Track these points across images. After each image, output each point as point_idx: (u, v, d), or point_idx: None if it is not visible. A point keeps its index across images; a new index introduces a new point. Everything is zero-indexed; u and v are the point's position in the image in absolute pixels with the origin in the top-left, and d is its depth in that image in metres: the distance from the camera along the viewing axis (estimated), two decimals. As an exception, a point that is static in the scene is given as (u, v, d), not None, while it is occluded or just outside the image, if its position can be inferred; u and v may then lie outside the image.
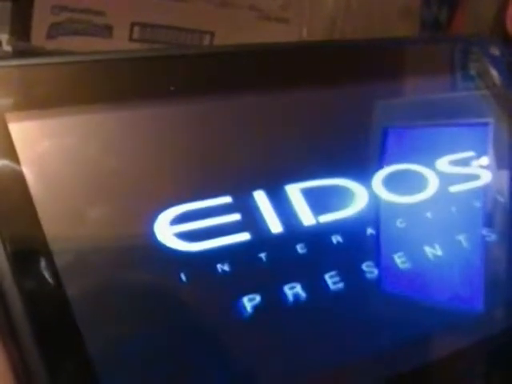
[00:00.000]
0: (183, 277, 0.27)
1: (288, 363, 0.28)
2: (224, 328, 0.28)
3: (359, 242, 0.32)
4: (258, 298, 0.28)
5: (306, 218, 0.31)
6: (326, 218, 0.32)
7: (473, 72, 0.39)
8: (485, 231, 0.35)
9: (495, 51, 0.39)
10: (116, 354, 0.25)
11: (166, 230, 0.28)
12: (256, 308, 0.28)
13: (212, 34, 0.54)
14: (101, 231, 0.27)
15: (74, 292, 0.25)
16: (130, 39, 0.52)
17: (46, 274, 0.24)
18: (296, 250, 0.30)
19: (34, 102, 0.27)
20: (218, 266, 0.28)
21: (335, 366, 0.29)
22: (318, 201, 0.32)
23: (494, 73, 0.38)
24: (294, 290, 0.29)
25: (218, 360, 0.27)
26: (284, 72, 0.34)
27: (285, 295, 0.29)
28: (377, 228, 0.32)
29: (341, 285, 0.30)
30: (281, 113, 0.33)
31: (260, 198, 0.30)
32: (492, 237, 0.34)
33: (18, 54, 0.50)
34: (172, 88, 0.30)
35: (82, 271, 0.26)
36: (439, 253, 0.33)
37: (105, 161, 0.28)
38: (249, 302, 0.28)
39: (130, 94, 0.29)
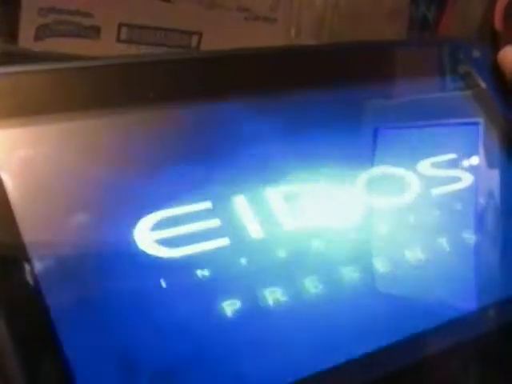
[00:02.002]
0: (163, 283, 0.27)
1: (268, 367, 0.28)
2: (204, 333, 0.28)
3: (340, 245, 0.32)
4: (238, 303, 0.28)
5: (286, 222, 0.31)
6: (306, 222, 0.32)
7: (456, 74, 0.39)
8: (471, 231, 0.35)
9: (477, 53, 0.39)
10: (95, 359, 0.25)
11: (146, 237, 0.28)
12: (236, 312, 0.28)
13: (200, 35, 0.54)
14: (81, 238, 0.27)
15: (53, 298, 0.25)
16: (118, 40, 0.52)
17: (25, 280, 0.25)
18: (276, 255, 0.30)
19: (13, 110, 0.27)
20: (198, 272, 0.28)
21: (320, 368, 0.29)
22: (299, 205, 0.32)
23: (476, 74, 0.38)
24: (274, 295, 0.29)
25: (199, 364, 0.27)
26: (271, 75, 0.34)
27: (265, 299, 0.29)
28: (358, 231, 0.33)
29: (321, 288, 0.30)
30: (264, 117, 0.33)
31: (240, 203, 0.30)
32: (478, 237, 0.35)
33: (5, 56, 0.50)
34: (151, 94, 0.30)
35: (62, 277, 0.26)
36: (423, 254, 0.33)
37: (85, 168, 0.28)
38: (229, 307, 0.28)
39: (109, 101, 0.29)
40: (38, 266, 0.25)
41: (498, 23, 0.52)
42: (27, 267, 0.25)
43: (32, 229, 0.26)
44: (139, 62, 0.31)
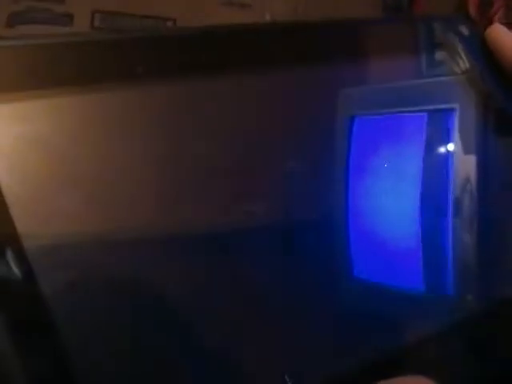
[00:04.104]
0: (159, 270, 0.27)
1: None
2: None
3: (327, 230, 0.32)
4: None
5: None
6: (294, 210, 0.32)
7: (439, 55, 0.38)
8: (453, 217, 0.35)
9: (464, 30, 0.38)
10: (93, 351, 0.25)
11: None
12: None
13: (174, 21, 0.54)
14: (75, 224, 0.27)
15: (47, 287, 0.24)
16: (92, 27, 0.52)
17: (18, 269, 0.24)
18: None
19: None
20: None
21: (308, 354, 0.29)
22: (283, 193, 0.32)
23: (463, 53, 0.38)
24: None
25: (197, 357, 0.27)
26: (244, 55, 0.33)
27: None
28: (344, 218, 0.33)
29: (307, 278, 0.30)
30: (239, 99, 0.32)
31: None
32: (459, 222, 0.35)
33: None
34: (139, 69, 0.29)
35: (57, 266, 0.25)
36: (406, 240, 0.34)
37: (75, 148, 0.27)
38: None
39: (95, 77, 0.28)
40: (32, 253, 0.24)
41: (472, 10, 0.53)
42: (20, 255, 0.24)
43: (25, 215, 0.25)
44: (128, 38, 0.30)
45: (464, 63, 0.38)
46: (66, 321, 0.24)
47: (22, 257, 0.24)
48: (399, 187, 0.35)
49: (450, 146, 0.36)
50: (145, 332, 0.26)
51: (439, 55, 0.38)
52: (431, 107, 0.37)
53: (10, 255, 0.24)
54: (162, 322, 0.27)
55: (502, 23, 0.50)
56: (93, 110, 0.28)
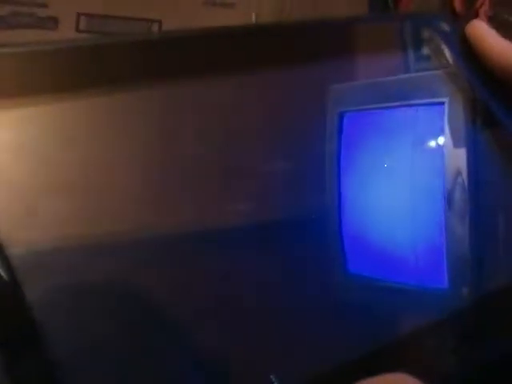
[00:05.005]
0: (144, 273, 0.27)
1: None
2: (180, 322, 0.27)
3: (319, 227, 0.32)
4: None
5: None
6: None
7: (426, 50, 0.38)
8: (445, 210, 0.35)
9: (445, 27, 0.38)
10: (78, 358, 0.25)
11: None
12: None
13: (160, 23, 0.54)
14: (57, 229, 0.26)
15: (32, 294, 0.24)
16: (77, 30, 0.51)
17: (2, 276, 0.24)
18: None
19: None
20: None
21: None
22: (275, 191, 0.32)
23: (446, 50, 0.38)
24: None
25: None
26: (232, 57, 0.33)
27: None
28: (336, 214, 0.33)
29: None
30: (226, 99, 0.32)
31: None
32: (451, 215, 0.35)
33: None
34: (125, 74, 0.29)
35: (41, 272, 0.25)
36: (400, 234, 0.33)
37: (58, 154, 0.27)
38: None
39: (79, 83, 0.28)
40: (15, 258, 0.24)
41: (457, 4, 0.53)
42: (3, 259, 0.24)
43: (6, 219, 0.25)
44: (109, 43, 0.30)
45: (447, 59, 0.38)
46: (52, 328, 0.24)
47: (6, 264, 0.24)
48: (391, 182, 0.35)
49: (440, 140, 0.36)
50: (131, 335, 0.26)
51: (426, 50, 0.39)
52: (420, 101, 0.37)
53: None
54: (148, 325, 0.27)
55: (488, 16, 0.50)
56: (75, 116, 0.28)
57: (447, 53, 0.38)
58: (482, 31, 0.37)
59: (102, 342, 0.25)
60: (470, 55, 0.38)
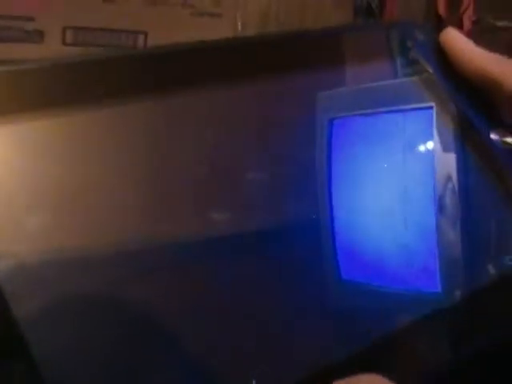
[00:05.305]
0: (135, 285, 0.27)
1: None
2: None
3: (311, 233, 0.32)
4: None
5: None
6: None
7: (403, 58, 0.39)
8: (436, 214, 0.35)
9: (420, 36, 0.39)
10: (62, 367, 0.24)
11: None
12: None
13: (145, 34, 0.54)
14: (44, 241, 0.26)
15: (18, 305, 0.24)
16: (64, 43, 0.51)
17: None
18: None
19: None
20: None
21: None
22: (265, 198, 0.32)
23: (421, 57, 0.38)
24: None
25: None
26: (220, 68, 0.33)
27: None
28: (328, 221, 0.33)
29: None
30: (217, 110, 0.32)
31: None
32: (442, 219, 0.35)
33: None
34: (107, 91, 0.29)
35: (28, 286, 0.25)
36: (392, 239, 0.34)
37: (45, 168, 0.27)
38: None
39: (64, 100, 0.28)
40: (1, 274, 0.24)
41: (441, 9, 0.53)
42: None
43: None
44: (93, 60, 0.30)
45: (423, 65, 0.38)
46: (39, 340, 0.24)
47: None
48: (382, 187, 0.35)
49: (430, 144, 0.36)
50: (121, 346, 0.26)
51: (411, 56, 0.39)
52: (408, 106, 0.38)
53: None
54: (138, 336, 0.27)
55: (472, 21, 0.50)
56: (62, 131, 0.28)
57: (423, 62, 0.38)
58: (454, 38, 0.38)
59: (90, 353, 0.25)
60: (446, 63, 0.38)
